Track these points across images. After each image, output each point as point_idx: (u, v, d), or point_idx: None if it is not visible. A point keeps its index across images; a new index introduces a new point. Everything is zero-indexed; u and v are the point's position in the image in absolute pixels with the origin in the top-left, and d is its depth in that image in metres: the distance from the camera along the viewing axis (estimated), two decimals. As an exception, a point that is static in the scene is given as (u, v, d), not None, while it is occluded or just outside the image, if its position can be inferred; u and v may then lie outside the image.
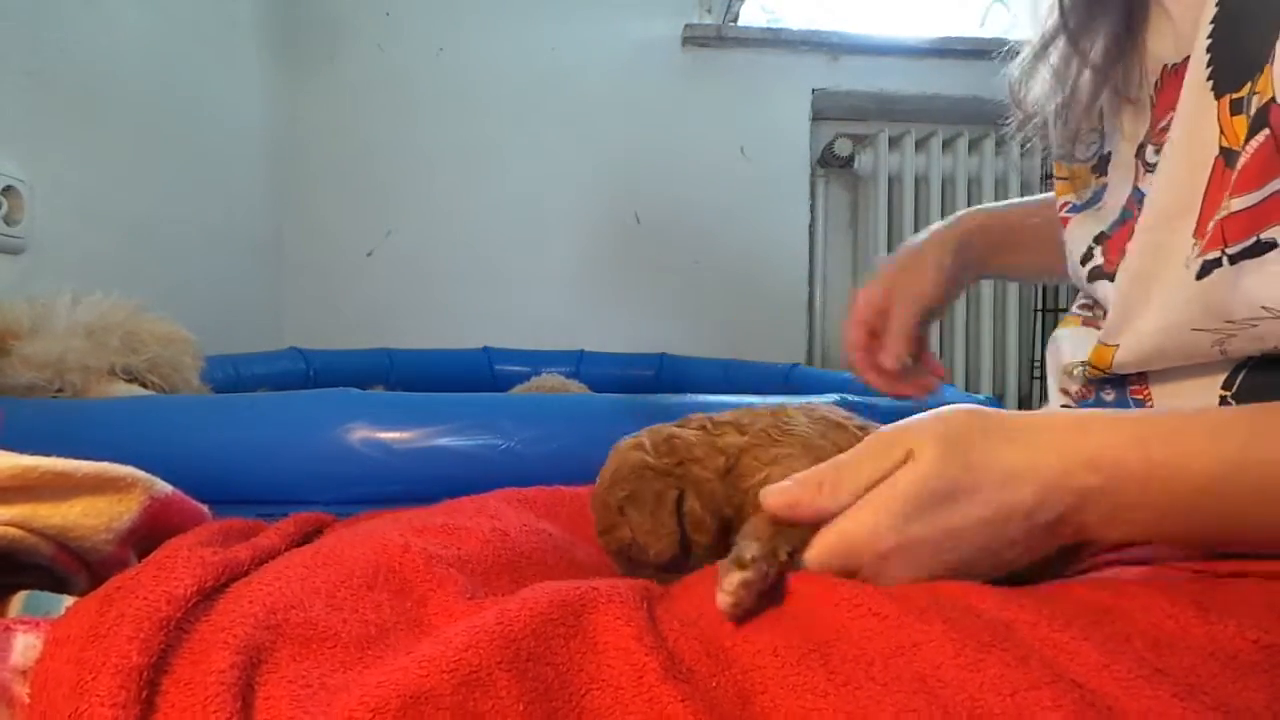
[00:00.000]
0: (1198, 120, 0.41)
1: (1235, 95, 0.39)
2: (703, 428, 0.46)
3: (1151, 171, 0.47)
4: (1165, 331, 0.42)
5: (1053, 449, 0.36)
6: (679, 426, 0.46)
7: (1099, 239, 0.51)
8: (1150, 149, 0.48)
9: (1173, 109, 0.46)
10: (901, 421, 0.38)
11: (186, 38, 1.62)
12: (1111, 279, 0.49)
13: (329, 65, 2.05)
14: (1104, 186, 0.52)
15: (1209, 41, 0.40)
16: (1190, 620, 0.32)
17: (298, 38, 2.02)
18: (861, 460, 0.37)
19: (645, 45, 2.11)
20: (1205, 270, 0.40)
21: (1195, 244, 0.41)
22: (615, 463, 0.45)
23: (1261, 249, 0.37)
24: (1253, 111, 0.38)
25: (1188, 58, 0.44)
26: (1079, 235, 0.53)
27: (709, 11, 2.12)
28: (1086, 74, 0.50)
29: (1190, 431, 0.36)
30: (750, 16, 2.18)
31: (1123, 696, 0.27)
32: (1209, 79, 0.40)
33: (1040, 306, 2.03)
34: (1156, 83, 0.48)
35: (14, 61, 1.16)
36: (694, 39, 2.09)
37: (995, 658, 0.29)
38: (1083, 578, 0.40)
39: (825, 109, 2.14)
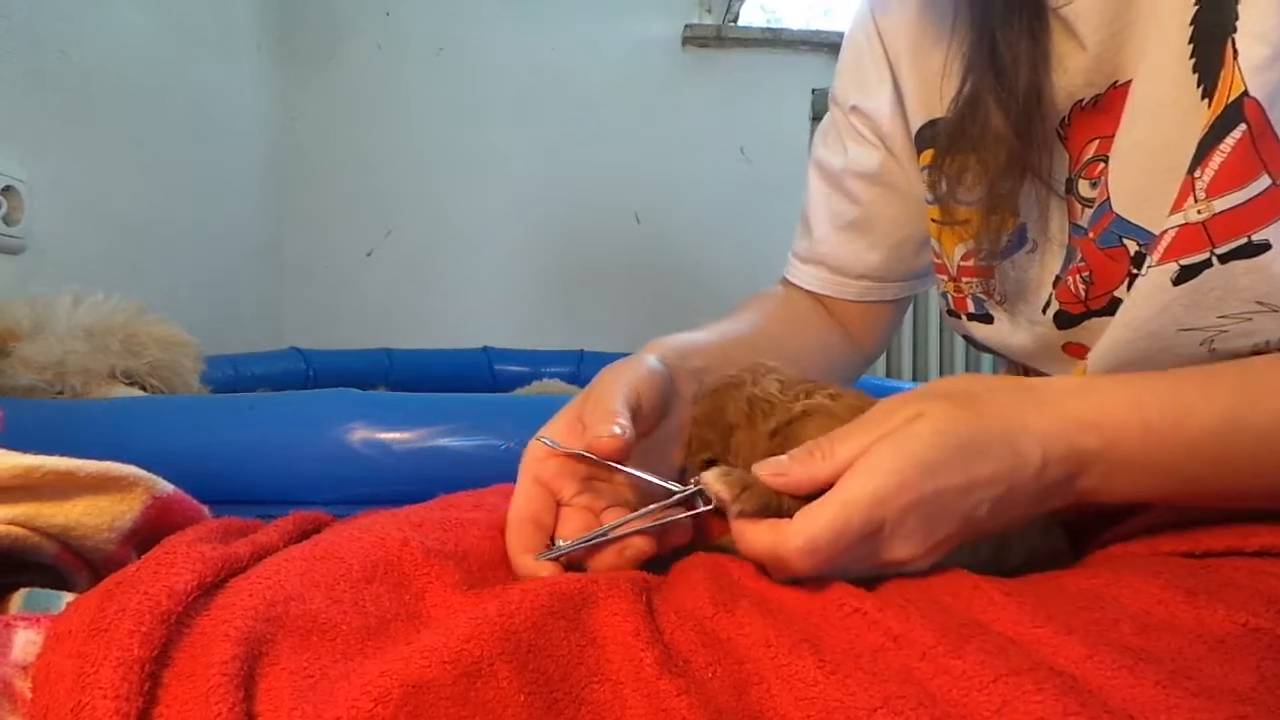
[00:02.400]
0: (1167, 133, 0.41)
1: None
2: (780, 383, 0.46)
3: (1089, 205, 0.48)
4: (1147, 339, 0.43)
5: (1057, 409, 0.36)
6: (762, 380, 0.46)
7: (1055, 283, 0.51)
8: (1084, 184, 0.48)
9: (1096, 139, 0.46)
10: (898, 394, 0.37)
11: (186, 38, 1.62)
12: (1076, 321, 0.49)
13: (329, 65, 2.05)
14: (1023, 226, 0.52)
15: (1192, 61, 0.40)
16: (1179, 605, 0.32)
17: (297, 38, 2.03)
18: (857, 429, 0.36)
19: (645, 45, 2.11)
20: (1189, 274, 0.40)
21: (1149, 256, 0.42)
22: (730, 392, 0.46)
23: (1254, 250, 0.38)
24: (1220, 110, 0.38)
25: (1115, 84, 0.45)
26: (1029, 281, 0.52)
27: (709, 11, 2.12)
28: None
29: (1184, 391, 0.36)
30: (750, 16, 2.19)
31: (1105, 685, 0.28)
32: (1199, 85, 0.40)
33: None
34: (1065, 120, 0.48)
35: (14, 61, 1.16)
36: (694, 39, 2.09)
37: (974, 647, 0.29)
38: (1078, 567, 0.40)
39: (825, 109, 2.14)
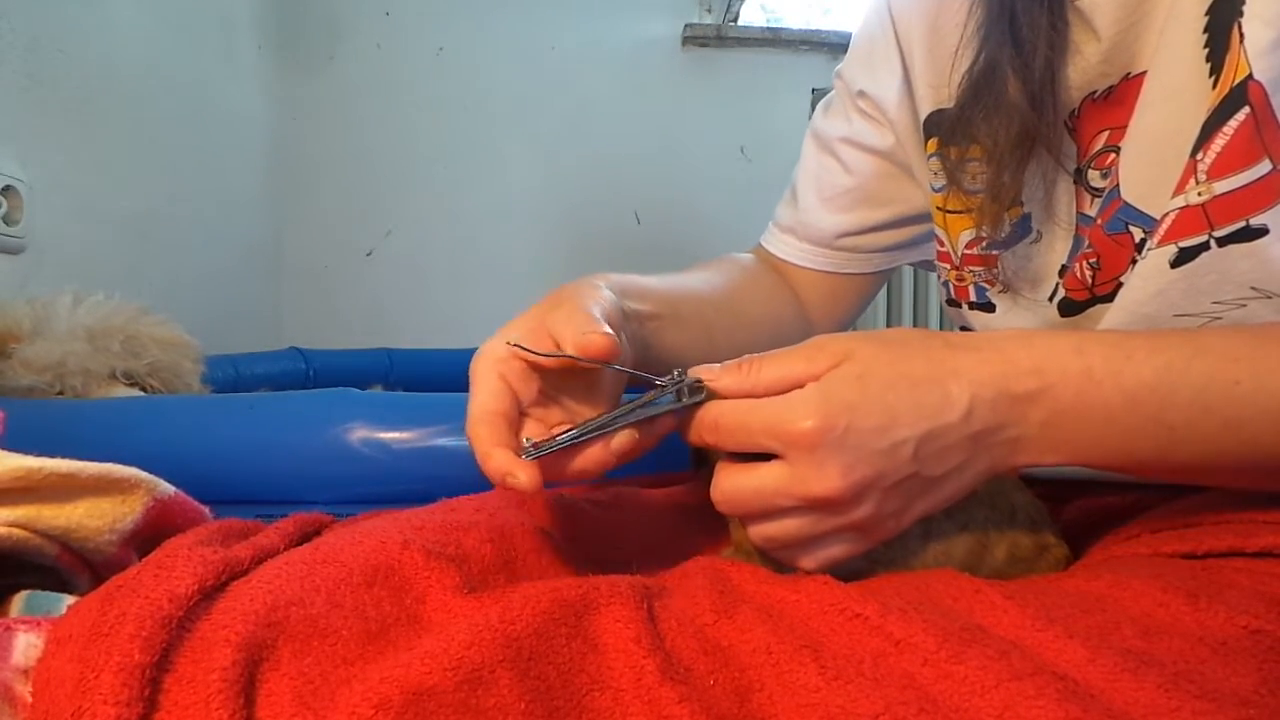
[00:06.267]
0: (1178, 119, 0.41)
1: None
2: None
3: (1099, 195, 0.48)
4: (1143, 322, 0.43)
5: (995, 353, 0.36)
6: None
7: (1061, 271, 0.51)
8: (1095, 174, 0.48)
9: (1106, 130, 0.46)
10: (835, 334, 0.38)
11: (186, 38, 1.62)
12: (1081, 308, 0.49)
13: (329, 65, 2.05)
14: (1026, 216, 0.52)
15: (1206, 51, 0.40)
16: (1181, 608, 0.32)
17: (297, 37, 2.02)
18: (787, 355, 0.37)
19: (645, 45, 2.11)
20: (1187, 256, 0.40)
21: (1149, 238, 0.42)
22: None
23: (1252, 234, 0.38)
24: (1225, 93, 0.38)
25: (1128, 76, 0.45)
26: (1034, 270, 0.52)
27: (709, 11, 2.12)
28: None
29: (1131, 342, 0.36)
30: (750, 16, 2.18)
31: (1107, 689, 0.28)
32: (1211, 73, 0.40)
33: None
34: (1074, 112, 0.48)
35: (14, 61, 1.16)
36: (694, 39, 2.09)
37: (976, 652, 0.29)
38: (1078, 569, 0.40)
39: (825, 109, 2.14)
